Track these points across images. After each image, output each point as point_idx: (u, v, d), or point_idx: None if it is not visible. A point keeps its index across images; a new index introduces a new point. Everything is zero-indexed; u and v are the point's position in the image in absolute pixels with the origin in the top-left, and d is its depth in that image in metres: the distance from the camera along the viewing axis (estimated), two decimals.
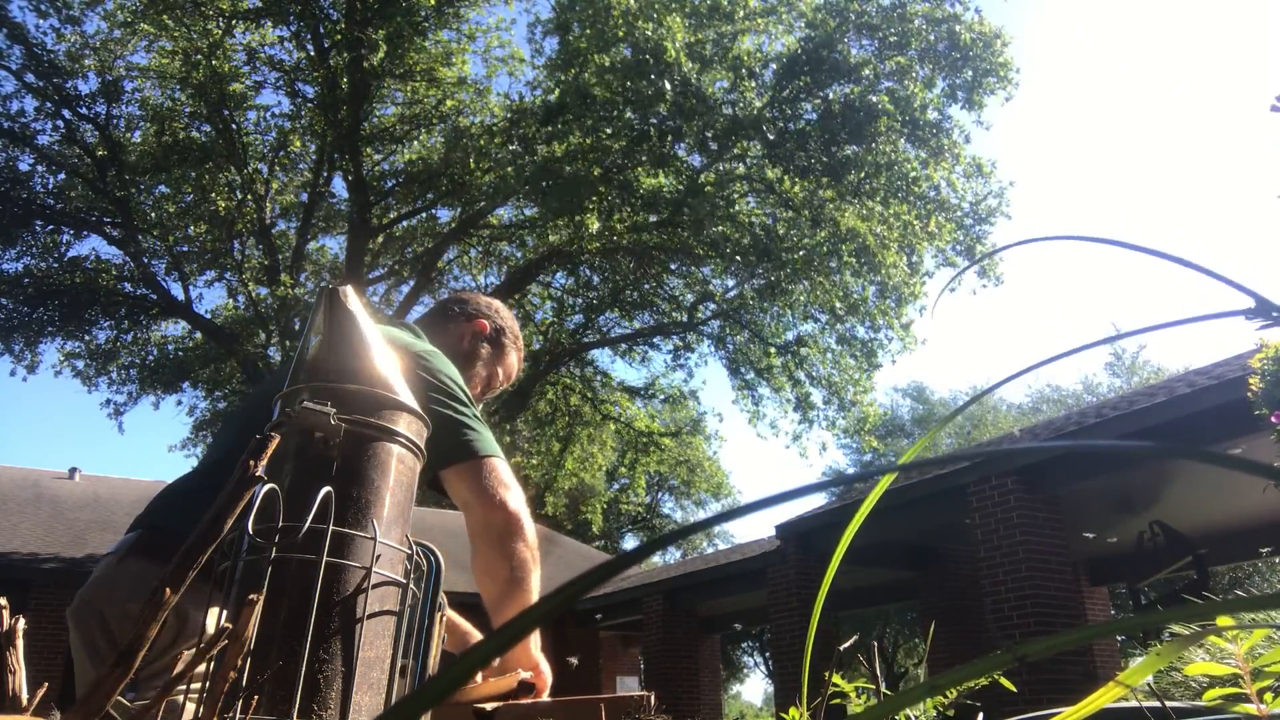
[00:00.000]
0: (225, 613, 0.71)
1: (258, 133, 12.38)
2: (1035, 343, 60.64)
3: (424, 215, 13.26)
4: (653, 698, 1.17)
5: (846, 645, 1.17)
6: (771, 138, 10.56)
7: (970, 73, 10.61)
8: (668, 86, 9.88)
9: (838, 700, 1.18)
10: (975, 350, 62.57)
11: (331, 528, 0.72)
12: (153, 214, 12.79)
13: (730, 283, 12.36)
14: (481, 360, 1.91)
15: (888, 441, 27.66)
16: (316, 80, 11.13)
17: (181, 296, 12.62)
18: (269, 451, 0.62)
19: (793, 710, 1.19)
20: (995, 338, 65.36)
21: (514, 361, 2.00)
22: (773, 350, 12.47)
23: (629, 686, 14.73)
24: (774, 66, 10.87)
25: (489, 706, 1.10)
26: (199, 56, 11.04)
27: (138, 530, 1.48)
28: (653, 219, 11.31)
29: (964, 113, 10.93)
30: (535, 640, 1.58)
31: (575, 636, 13.93)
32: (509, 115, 11.36)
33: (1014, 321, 66.82)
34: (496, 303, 2.03)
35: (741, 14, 10.64)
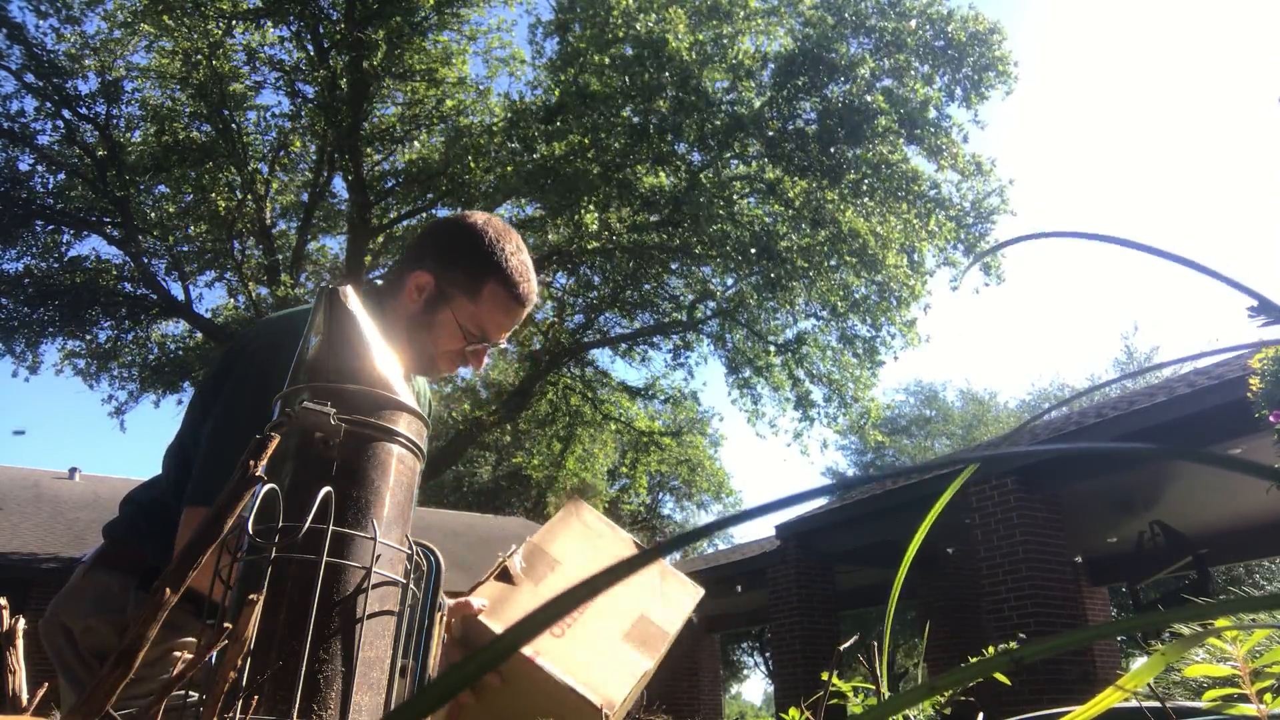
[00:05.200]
0: (225, 613, 0.71)
1: (258, 133, 12.38)
2: (1041, 338, 60.64)
3: (424, 215, 13.26)
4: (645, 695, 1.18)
5: (846, 645, 1.17)
6: (770, 135, 10.57)
7: (969, 68, 10.61)
8: (669, 77, 9.89)
9: (837, 700, 1.18)
10: (981, 348, 62.60)
11: (331, 528, 0.72)
12: (153, 214, 12.79)
13: (730, 281, 12.37)
14: (440, 325, 1.40)
15: (892, 439, 27.66)
16: (316, 80, 11.12)
17: (181, 296, 12.63)
18: (269, 451, 0.62)
19: (793, 710, 1.19)
20: (1001, 335, 65.39)
21: (506, 294, 1.42)
22: (772, 348, 12.47)
23: None
24: (772, 66, 10.88)
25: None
26: (199, 56, 11.03)
27: (103, 540, 1.46)
28: (653, 218, 11.31)
29: (962, 110, 10.95)
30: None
31: None
32: (509, 115, 11.37)
33: (1020, 318, 66.84)
34: (457, 222, 1.46)
35: (742, 15, 10.65)
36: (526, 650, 1.07)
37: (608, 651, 1.13)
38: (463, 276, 1.41)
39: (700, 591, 1.33)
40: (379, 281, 1.51)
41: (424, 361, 1.45)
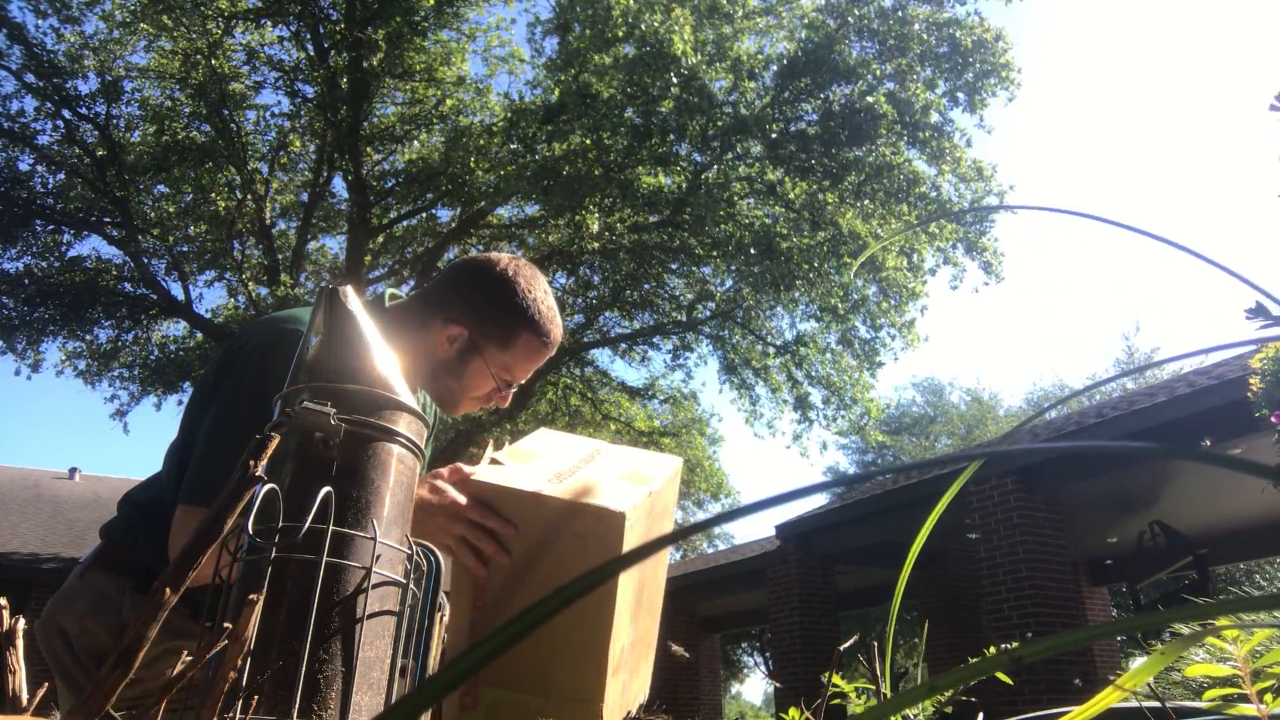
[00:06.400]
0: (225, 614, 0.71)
1: (258, 133, 12.39)
2: (1042, 338, 60.67)
3: (424, 215, 13.25)
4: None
5: (846, 645, 1.17)
6: (774, 136, 10.56)
7: (971, 74, 10.61)
8: (673, 79, 9.87)
9: (838, 700, 1.18)
10: (983, 349, 62.63)
11: (331, 528, 0.72)
12: (153, 214, 12.79)
13: (729, 282, 12.37)
14: (471, 374, 1.44)
15: (894, 439, 27.62)
16: (316, 80, 11.12)
17: (182, 296, 12.62)
18: (269, 451, 0.62)
19: (793, 710, 1.19)
20: (1002, 336, 65.42)
21: (537, 342, 1.45)
22: (771, 350, 12.47)
23: None
24: (774, 68, 10.88)
25: None
26: (199, 56, 11.03)
27: (100, 541, 1.46)
28: (654, 219, 11.31)
29: (965, 115, 10.92)
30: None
31: None
32: (509, 115, 11.37)
33: (1021, 319, 66.87)
34: (486, 271, 1.45)
35: (741, 14, 10.63)
36: (529, 488, 1.14)
37: (607, 486, 1.20)
38: (496, 330, 1.43)
39: (679, 460, 1.42)
40: (388, 294, 1.51)
41: (449, 401, 1.49)
